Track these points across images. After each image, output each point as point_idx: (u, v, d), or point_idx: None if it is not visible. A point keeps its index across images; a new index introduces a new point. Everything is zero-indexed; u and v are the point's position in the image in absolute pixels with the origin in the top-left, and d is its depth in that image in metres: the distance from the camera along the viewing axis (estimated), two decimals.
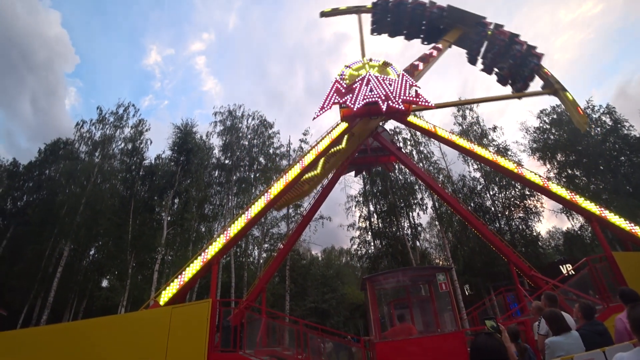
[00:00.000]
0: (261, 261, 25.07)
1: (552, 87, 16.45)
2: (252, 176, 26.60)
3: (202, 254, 10.09)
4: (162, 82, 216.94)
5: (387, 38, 22.06)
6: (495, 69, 18.13)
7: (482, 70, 18.88)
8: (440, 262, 27.72)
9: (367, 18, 21.45)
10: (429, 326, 9.42)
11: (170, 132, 28.33)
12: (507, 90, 18.08)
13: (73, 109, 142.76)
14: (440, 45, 18.44)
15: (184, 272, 9.67)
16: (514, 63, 16.88)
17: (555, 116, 29.82)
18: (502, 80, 18.10)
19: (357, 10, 21.50)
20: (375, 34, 21.78)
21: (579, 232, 28.15)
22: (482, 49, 18.32)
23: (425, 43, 20.22)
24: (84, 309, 23.71)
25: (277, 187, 13.01)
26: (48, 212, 22.89)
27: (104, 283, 26.27)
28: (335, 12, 22.74)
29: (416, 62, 17.25)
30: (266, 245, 26.34)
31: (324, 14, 23.16)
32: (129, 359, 7.60)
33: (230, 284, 21.83)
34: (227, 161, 27.06)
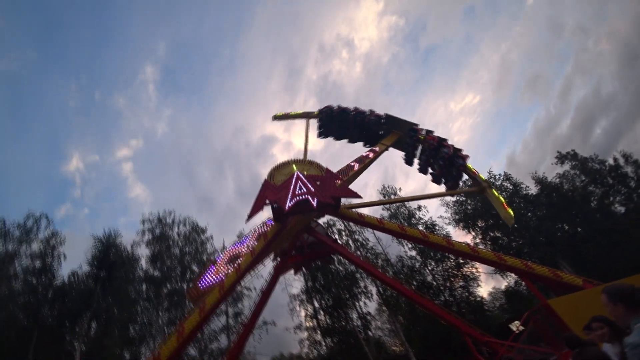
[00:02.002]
0: None
1: (480, 185, 18.78)
2: (185, 287, 24.28)
3: None
4: (83, 189, 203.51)
5: (321, 140, 24.54)
6: (430, 169, 20.20)
7: (419, 170, 21.05)
8: (395, 349, 26.32)
9: (313, 123, 23.82)
10: None
11: (90, 245, 25.31)
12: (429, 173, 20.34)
13: None
14: (377, 148, 20.46)
15: None
16: (444, 164, 18.99)
17: (466, 188, 33.45)
18: (436, 180, 20.03)
19: (307, 115, 23.95)
20: (322, 137, 23.91)
21: (516, 287, 29.59)
22: (418, 152, 20.67)
23: (368, 146, 22.26)
24: None
25: (213, 296, 12.08)
26: None
27: None
28: (286, 116, 24.95)
29: (352, 163, 18.80)
30: None
31: (276, 118, 25.16)
32: None
33: None
34: (156, 273, 24.63)
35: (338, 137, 23.71)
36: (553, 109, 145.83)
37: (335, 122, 22.91)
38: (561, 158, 34.25)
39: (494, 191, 18.41)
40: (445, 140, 19.27)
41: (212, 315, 15.89)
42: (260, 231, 15.13)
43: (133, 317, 23.21)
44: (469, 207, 32.07)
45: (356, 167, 18.62)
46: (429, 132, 19.98)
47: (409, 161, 21.30)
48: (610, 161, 32.10)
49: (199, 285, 13.40)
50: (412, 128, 20.46)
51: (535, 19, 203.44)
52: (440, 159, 19.13)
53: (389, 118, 21.49)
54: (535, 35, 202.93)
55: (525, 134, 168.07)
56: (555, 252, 26.17)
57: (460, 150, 18.79)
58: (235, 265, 13.67)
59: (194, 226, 27.79)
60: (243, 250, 14.44)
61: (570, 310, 9.08)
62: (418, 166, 20.91)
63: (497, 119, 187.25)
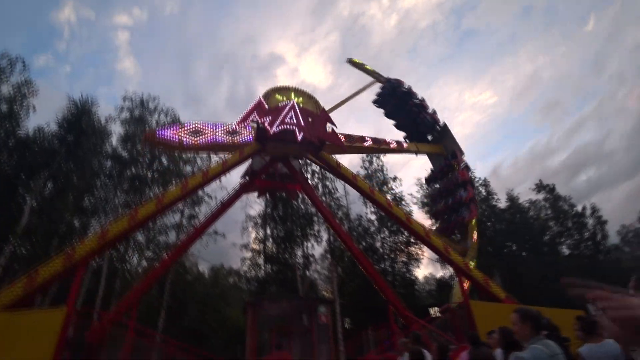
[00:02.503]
0: (140, 270, 22.59)
1: (464, 250, 17.28)
2: (150, 175, 24.27)
3: (68, 252, 8.66)
4: (70, 44, 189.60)
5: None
6: (441, 203, 19.14)
7: (430, 198, 20.59)
8: (326, 294, 28.46)
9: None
10: (305, 356, 9.43)
11: (63, 105, 24.01)
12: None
13: None
14: (405, 145, 19.50)
15: (37, 271, 8.06)
16: (452, 203, 18.22)
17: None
18: (434, 215, 19.89)
19: (377, 77, 22.43)
20: (376, 105, 22.61)
21: (448, 280, 32.04)
22: (440, 176, 19.73)
23: (407, 141, 20.80)
24: None
25: (174, 192, 12.22)
26: None
27: None
28: (360, 66, 23.46)
29: (368, 138, 17.94)
30: (149, 253, 23.89)
31: (351, 62, 23.66)
32: None
33: (98, 291, 18.77)
34: (124, 153, 24.29)
35: (388, 115, 22.49)
36: (556, 141, 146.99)
37: (395, 99, 21.52)
38: (540, 187, 36.19)
39: (473, 263, 16.18)
40: (468, 183, 18.26)
41: (168, 209, 16.26)
42: (231, 129, 14.75)
43: (91, 189, 23.09)
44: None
45: (368, 143, 17.91)
46: (467, 167, 19.04)
47: (429, 179, 20.67)
48: (579, 208, 34.17)
49: (158, 133, 13.49)
50: (453, 153, 19.19)
51: (584, 47, 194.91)
52: (452, 196, 18.36)
53: (444, 129, 20.25)
54: (576, 63, 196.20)
55: (520, 151, 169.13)
56: (495, 264, 28.28)
57: (474, 202, 18.03)
58: (199, 139, 13.80)
59: (175, 119, 26.87)
60: (210, 131, 14.24)
61: (485, 315, 9.99)
62: (434, 190, 20.26)
63: (502, 126, 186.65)
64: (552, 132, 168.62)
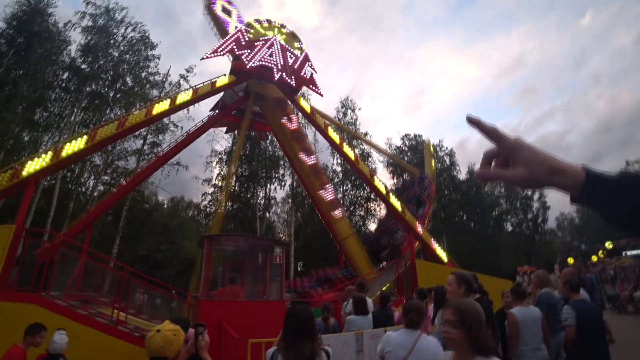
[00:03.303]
0: (95, 194, 21.82)
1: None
2: (112, 95, 22.53)
3: (17, 167, 8.11)
4: None
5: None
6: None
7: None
8: (283, 237, 29.44)
9: None
10: (256, 292, 9.83)
11: (12, 1, 21.38)
12: None
13: None
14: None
15: None
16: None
17: (414, 142, 35.08)
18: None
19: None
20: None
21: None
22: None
23: None
24: None
25: (137, 116, 11.50)
26: None
27: None
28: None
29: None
30: (106, 178, 22.96)
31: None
32: None
33: (49, 212, 17.85)
34: (84, 66, 22.09)
35: None
36: (524, 125, 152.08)
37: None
38: None
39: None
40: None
41: (130, 133, 15.45)
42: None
43: (43, 101, 21.11)
44: (405, 159, 34.13)
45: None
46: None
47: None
48: (529, 192, 36.35)
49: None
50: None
51: (574, 40, 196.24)
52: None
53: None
54: (562, 54, 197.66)
55: None
56: (444, 230, 30.45)
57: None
58: None
59: (144, 36, 24.45)
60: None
61: (426, 274, 10.94)
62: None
63: (477, 102, 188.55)
64: (523, 116, 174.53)
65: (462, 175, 36.86)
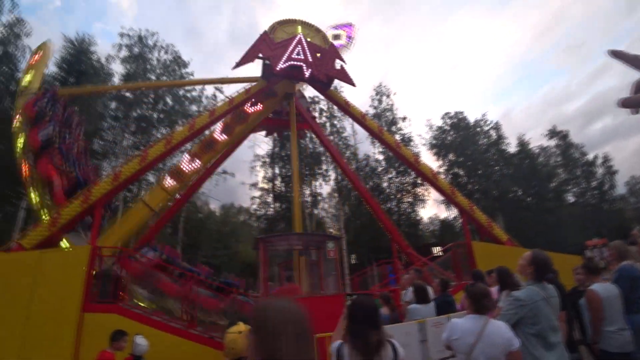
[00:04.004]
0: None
1: None
2: (155, 116, 24.05)
3: (85, 193, 8.95)
4: None
5: None
6: None
7: None
8: (333, 231, 29.63)
9: None
10: (313, 288, 9.97)
11: (59, 45, 22.82)
12: None
13: None
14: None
15: (59, 213, 8.42)
16: None
17: (456, 120, 33.46)
18: None
19: None
20: None
21: (452, 221, 32.98)
22: None
23: None
24: None
25: (182, 133, 12.10)
26: None
27: None
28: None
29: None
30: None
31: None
32: None
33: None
34: (127, 94, 23.86)
35: None
36: (575, 85, 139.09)
37: None
38: (553, 133, 34.83)
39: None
40: None
41: (176, 150, 16.33)
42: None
43: (99, 132, 23.07)
44: (449, 138, 32.69)
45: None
46: None
47: None
48: (590, 157, 33.33)
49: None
50: None
51: None
52: None
53: None
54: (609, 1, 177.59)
55: (534, 96, 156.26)
56: (499, 207, 28.71)
57: None
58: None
59: (176, 56, 25.88)
60: None
61: (485, 255, 10.35)
62: None
63: (518, 69, 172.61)
64: (572, 76, 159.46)
65: (512, 148, 34.37)
